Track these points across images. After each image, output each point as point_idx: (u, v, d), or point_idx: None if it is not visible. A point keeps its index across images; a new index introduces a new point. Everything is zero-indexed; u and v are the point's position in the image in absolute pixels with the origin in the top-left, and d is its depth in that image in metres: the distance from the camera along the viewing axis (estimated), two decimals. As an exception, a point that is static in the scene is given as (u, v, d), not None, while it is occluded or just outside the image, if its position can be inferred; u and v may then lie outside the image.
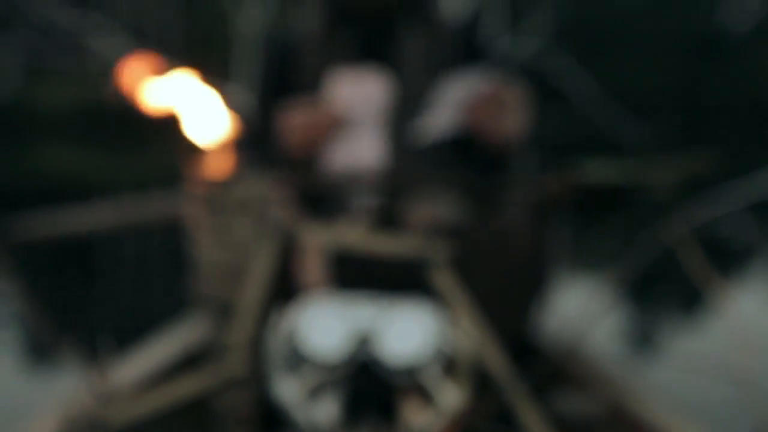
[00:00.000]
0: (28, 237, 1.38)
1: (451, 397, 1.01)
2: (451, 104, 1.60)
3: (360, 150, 1.64)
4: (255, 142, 1.76)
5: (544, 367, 1.52)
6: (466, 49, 1.79)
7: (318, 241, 1.01)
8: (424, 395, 1.00)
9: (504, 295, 1.55)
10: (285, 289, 1.40)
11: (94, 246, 4.94)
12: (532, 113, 1.64)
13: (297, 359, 0.98)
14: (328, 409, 0.97)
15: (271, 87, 1.83)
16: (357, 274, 1.53)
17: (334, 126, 1.60)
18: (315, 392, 0.98)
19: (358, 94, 1.62)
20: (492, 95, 1.57)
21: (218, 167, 1.14)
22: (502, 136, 1.61)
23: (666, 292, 3.86)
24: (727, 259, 4.72)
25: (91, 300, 3.75)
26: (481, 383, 1.15)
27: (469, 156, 1.66)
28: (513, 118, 1.60)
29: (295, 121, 1.60)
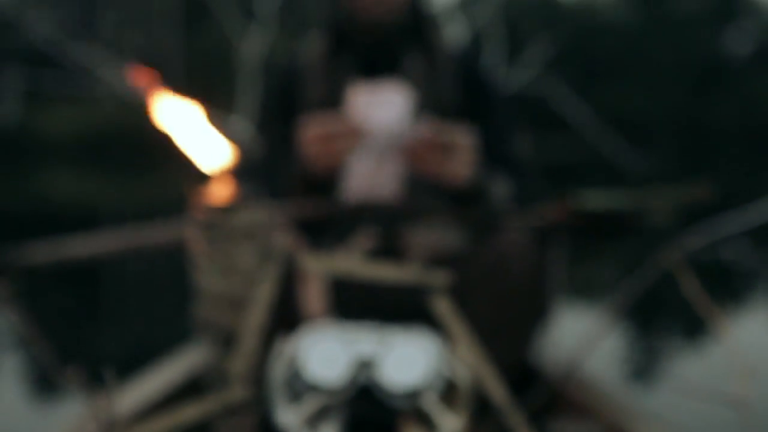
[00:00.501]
0: (30, 264, 1.39)
1: (451, 422, 1.01)
2: (393, 151, 1.58)
3: (375, 176, 1.63)
4: (255, 171, 1.77)
5: (543, 392, 1.53)
6: (466, 75, 1.81)
7: (318, 268, 1.02)
8: (425, 420, 1.01)
9: (505, 320, 1.55)
10: (287, 317, 1.41)
11: (100, 272, 4.97)
12: (476, 156, 1.61)
13: (298, 384, 0.99)
14: (329, 435, 0.98)
15: (273, 115, 1.85)
16: (358, 303, 1.54)
17: (354, 136, 1.57)
18: (316, 417, 0.99)
19: (377, 105, 1.60)
20: (430, 141, 1.55)
21: (220, 194, 1.15)
22: (446, 180, 1.58)
23: (667, 318, 3.86)
24: (731, 283, 4.74)
25: (96, 325, 3.76)
26: (481, 408, 1.16)
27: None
28: (457, 161, 1.56)
29: (314, 133, 1.58)
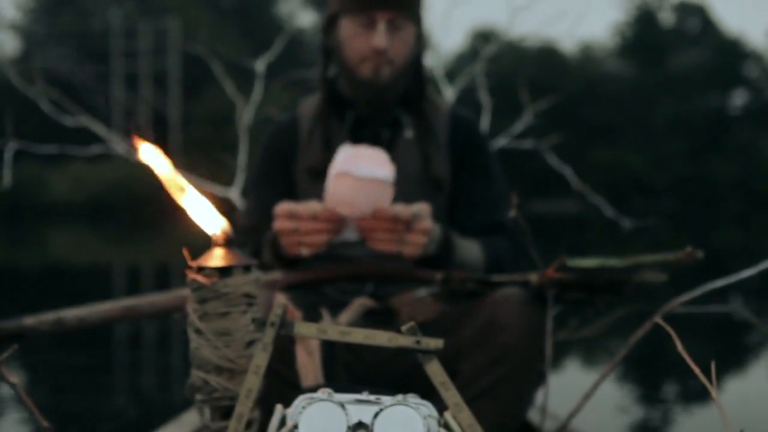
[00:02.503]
0: (29, 331, 1.41)
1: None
2: (351, 219, 1.57)
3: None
4: (248, 238, 1.78)
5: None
6: (459, 137, 1.84)
7: (311, 334, 1.04)
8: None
9: (499, 379, 1.55)
10: (282, 382, 1.42)
11: (112, 331, 4.97)
12: (438, 229, 1.62)
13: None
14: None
15: (266, 178, 1.87)
16: (351, 369, 1.55)
17: (326, 229, 1.57)
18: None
19: (360, 157, 1.57)
20: (389, 220, 1.55)
21: (216, 258, 1.17)
22: (403, 254, 1.59)
23: (669, 375, 3.86)
24: (739, 337, 4.74)
25: (105, 386, 3.75)
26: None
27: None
28: (413, 236, 1.57)
29: (281, 210, 1.59)
